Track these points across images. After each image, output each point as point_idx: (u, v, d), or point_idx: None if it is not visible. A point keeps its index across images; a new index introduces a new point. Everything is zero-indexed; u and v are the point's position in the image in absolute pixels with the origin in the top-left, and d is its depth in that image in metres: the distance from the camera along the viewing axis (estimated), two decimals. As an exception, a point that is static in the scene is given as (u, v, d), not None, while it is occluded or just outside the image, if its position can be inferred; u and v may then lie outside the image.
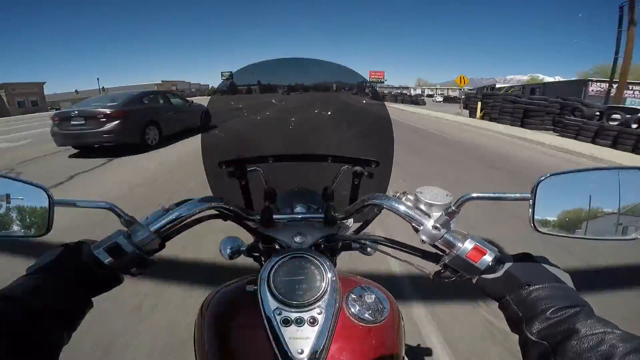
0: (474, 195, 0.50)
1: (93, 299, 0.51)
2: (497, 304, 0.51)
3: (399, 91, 64.64)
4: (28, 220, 0.50)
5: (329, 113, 0.93)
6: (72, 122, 6.96)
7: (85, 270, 0.49)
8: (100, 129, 6.89)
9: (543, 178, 0.47)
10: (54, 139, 7.25)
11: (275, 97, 0.96)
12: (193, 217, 0.57)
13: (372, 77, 60.98)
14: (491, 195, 0.50)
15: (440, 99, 57.54)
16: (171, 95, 9.84)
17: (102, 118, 6.92)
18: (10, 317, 0.39)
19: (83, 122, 6.93)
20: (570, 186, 0.48)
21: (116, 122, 6.95)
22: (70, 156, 7.22)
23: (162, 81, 70.54)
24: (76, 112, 7.06)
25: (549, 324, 0.43)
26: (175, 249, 2.54)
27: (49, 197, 0.49)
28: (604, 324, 0.40)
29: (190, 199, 0.57)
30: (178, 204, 0.57)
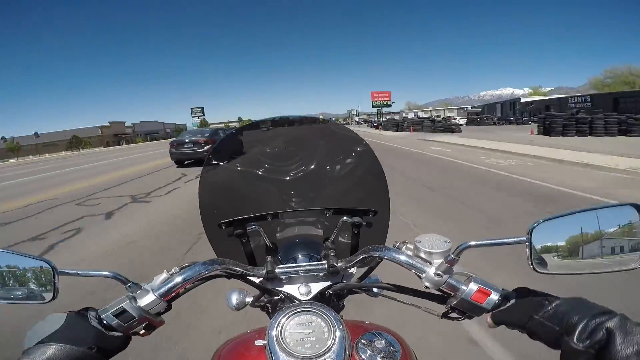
0: (472, 243, 0.51)
1: None
2: (525, 331, 0.50)
3: (417, 116, 58.13)
4: (35, 289, 0.54)
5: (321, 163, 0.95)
6: (185, 146, 13.19)
7: (97, 335, 0.50)
8: (201, 149, 12.68)
9: (536, 224, 0.49)
10: (170, 157, 13.50)
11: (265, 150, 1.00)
12: (197, 280, 0.58)
13: (376, 99, 54.47)
14: (488, 242, 0.51)
15: (463, 121, 45.86)
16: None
17: (202, 142, 12.89)
18: None
19: (192, 145, 13.07)
20: (564, 227, 0.49)
21: (209, 145, 12.39)
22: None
23: (109, 122, 68.31)
24: (186, 139, 13.33)
25: (589, 331, 0.42)
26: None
27: (53, 268, 0.52)
28: None
29: (195, 262, 0.59)
30: (182, 268, 0.58)
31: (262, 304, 0.73)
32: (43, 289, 0.53)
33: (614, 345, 0.40)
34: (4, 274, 0.53)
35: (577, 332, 0.43)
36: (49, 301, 0.53)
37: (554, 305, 0.46)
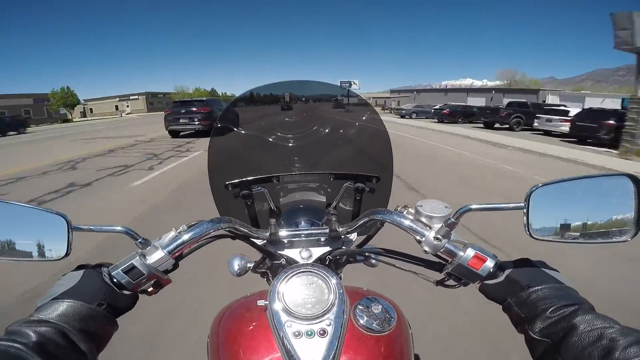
0: (472, 206, 0.52)
1: (117, 319, 0.53)
2: (501, 307, 0.53)
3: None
4: (49, 245, 0.53)
5: (327, 130, 0.97)
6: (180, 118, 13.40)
7: (108, 292, 0.51)
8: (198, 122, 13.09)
9: (535, 188, 0.50)
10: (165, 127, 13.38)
11: (275, 115, 1.01)
12: (204, 238, 0.59)
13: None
14: (488, 206, 0.52)
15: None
16: (224, 102, 17.35)
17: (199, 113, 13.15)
18: (51, 341, 0.42)
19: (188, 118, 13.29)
20: (562, 194, 0.50)
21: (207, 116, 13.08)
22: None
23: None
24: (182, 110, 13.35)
25: (550, 322, 0.45)
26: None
27: (68, 223, 0.52)
28: (603, 320, 0.42)
29: (202, 221, 0.60)
30: (189, 226, 0.59)
31: (262, 270, 0.75)
32: (56, 245, 0.53)
33: (571, 337, 0.42)
34: (15, 228, 0.53)
35: (537, 322, 0.46)
36: (63, 257, 0.53)
37: (530, 291, 0.49)
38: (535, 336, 0.46)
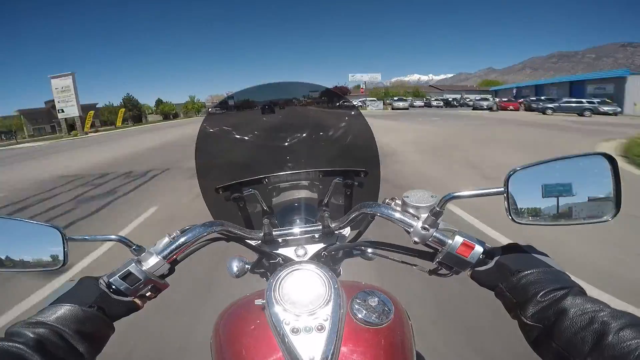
0: (455, 194, 0.53)
1: (115, 323, 0.54)
2: (494, 293, 0.54)
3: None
4: (46, 255, 0.56)
5: (312, 128, 0.98)
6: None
7: (105, 298, 0.53)
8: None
9: (512, 172, 0.51)
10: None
11: (259, 117, 1.03)
12: (198, 242, 0.61)
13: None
14: (470, 193, 0.53)
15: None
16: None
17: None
18: (49, 342, 0.44)
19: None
20: (539, 177, 0.51)
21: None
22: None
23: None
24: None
25: (541, 307, 0.45)
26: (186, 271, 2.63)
27: (62, 235, 0.55)
28: (594, 303, 0.42)
29: (195, 225, 0.61)
30: (183, 231, 0.61)
31: (261, 270, 0.76)
32: (53, 255, 0.55)
33: (562, 321, 0.42)
34: (14, 242, 0.55)
35: (529, 307, 0.46)
36: (60, 267, 0.55)
37: (520, 276, 0.49)
38: (527, 321, 0.46)
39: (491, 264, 0.54)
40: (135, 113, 61.58)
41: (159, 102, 70.50)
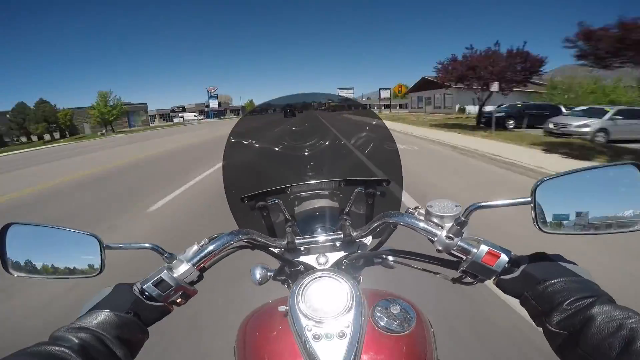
0: (480, 204, 0.53)
1: (148, 328, 0.57)
2: (519, 301, 0.54)
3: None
4: (84, 262, 0.58)
5: (334, 137, 1.00)
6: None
7: (139, 304, 0.56)
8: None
9: (539, 183, 0.50)
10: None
11: (283, 126, 1.06)
12: (225, 250, 0.63)
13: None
14: (496, 203, 0.53)
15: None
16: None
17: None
18: (91, 346, 0.46)
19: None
20: (567, 187, 0.50)
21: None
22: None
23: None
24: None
25: (568, 314, 0.45)
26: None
27: (100, 242, 0.57)
28: (622, 310, 0.42)
29: (222, 233, 0.64)
30: (211, 239, 0.63)
31: (283, 277, 0.77)
32: (90, 263, 0.58)
33: (589, 328, 0.42)
34: (54, 249, 0.58)
35: (554, 315, 0.46)
36: (97, 274, 0.58)
37: (547, 284, 0.49)
38: (553, 328, 0.46)
39: (517, 272, 0.54)
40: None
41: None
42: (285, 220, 0.79)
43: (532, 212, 0.52)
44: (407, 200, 4.20)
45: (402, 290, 0.74)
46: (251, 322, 0.71)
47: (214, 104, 72.85)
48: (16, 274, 0.57)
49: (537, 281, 0.50)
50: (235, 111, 78.37)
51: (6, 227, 0.57)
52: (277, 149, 0.99)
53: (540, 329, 0.50)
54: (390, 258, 0.74)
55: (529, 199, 0.51)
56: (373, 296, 0.66)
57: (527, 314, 0.53)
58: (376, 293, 0.70)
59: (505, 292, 0.56)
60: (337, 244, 0.72)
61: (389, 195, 0.83)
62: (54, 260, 0.58)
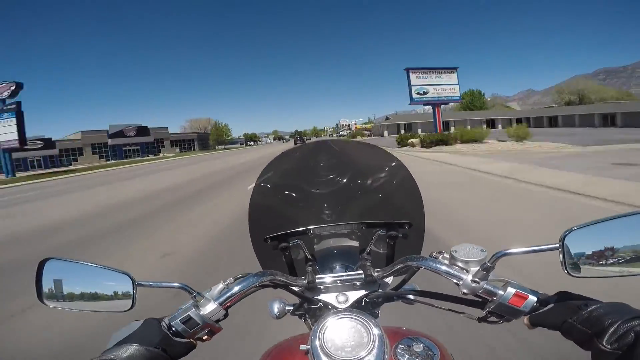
0: (507, 251, 0.53)
1: None
2: (560, 332, 0.52)
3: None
4: (117, 298, 0.61)
5: (354, 178, 1.02)
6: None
7: (166, 339, 0.57)
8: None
9: (568, 232, 0.51)
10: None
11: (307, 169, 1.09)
12: (249, 289, 0.64)
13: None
14: (523, 249, 0.53)
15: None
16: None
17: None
18: None
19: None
20: (596, 234, 0.51)
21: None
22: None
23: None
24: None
25: (619, 334, 0.44)
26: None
27: (132, 280, 0.60)
28: None
29: (248, 274, 0.66)
30: (236, 279, 0.65)
31: (301, 312, 0.77)
32: (122, 299, 0.60)
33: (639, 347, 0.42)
34: (90, 285, 0.61)
35: (607, 335, 0.45)
36: (128, 310, 0.60)
37: (589, 309, 0.49)
38: (606, 349, 0.45)
39: (546, 308, 0.54)
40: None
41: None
42: (305, 259, 0.80)
43: (561, 257, 0.52)
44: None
45: (422, 324, 0.72)
46: (271, 359, 0.71)
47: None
48: (51, 304, 0.60)
49: (578, 307, 0.50)
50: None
51: (43, 262, 0.60)
52: (300, 188, 1.01)
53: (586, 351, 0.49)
54: (412, 297, 0.73)
55: (558, 245, 0.52)
56: (394, 334, 0.65)
57: (547, 349, 0.51)
58: (397, 331, 0.69)
59: (543, 325, 0.55)
60: (358, 283, 0.72)
61: (411, 237, 0.83)
62: (90, 294, 0.61)
